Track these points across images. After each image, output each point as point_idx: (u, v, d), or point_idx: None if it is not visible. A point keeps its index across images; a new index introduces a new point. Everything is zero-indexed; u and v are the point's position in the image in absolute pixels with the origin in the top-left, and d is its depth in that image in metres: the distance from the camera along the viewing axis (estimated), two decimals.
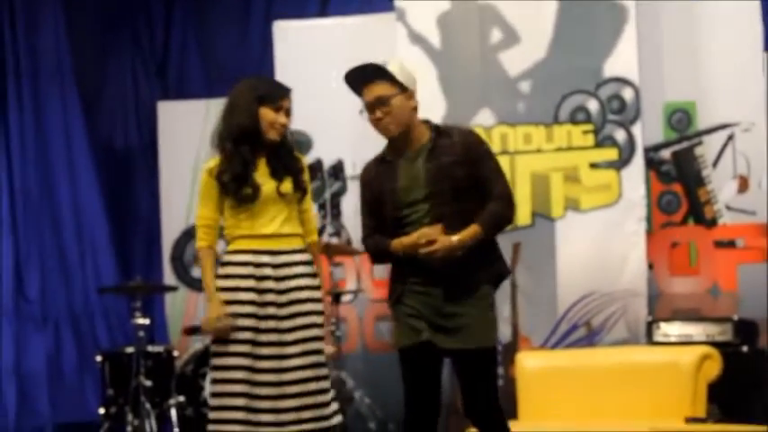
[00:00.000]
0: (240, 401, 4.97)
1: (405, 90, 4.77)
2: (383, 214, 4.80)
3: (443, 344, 4.70)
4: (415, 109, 4.82)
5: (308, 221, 5.23)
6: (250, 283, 5.04)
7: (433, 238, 4.62)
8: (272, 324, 5.00)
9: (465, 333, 4.69)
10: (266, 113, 5.06)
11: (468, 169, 4.71)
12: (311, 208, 5.30)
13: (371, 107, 4.76)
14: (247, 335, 5.00)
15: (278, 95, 5.10)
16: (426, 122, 4.87)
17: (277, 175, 5.08)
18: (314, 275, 5.16)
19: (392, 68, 4.78)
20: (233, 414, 4.98)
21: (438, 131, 4.81)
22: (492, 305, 4.79)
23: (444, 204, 4.69)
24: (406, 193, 4.74)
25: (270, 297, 5.02)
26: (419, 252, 4.64)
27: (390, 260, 4.85)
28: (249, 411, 4.97)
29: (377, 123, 4.77)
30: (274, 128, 5.06)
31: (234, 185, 5.04)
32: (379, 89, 4.74)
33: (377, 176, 4.84)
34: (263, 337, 4.99)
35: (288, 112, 5.11)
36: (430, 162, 4.73)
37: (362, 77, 4.78)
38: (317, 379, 5.01)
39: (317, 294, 5.14)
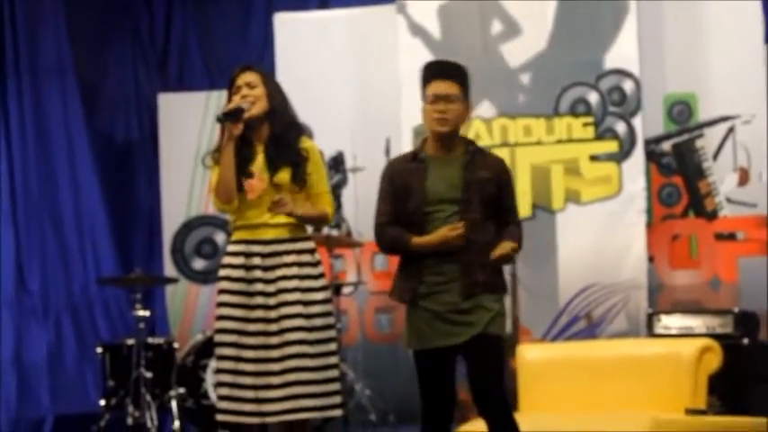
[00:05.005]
0: (225, 391, 5.02)
1: (467, 101, 5.00)
2: (406, 208, 4.96)
3: (458, 339, 4.86)
4: (465, 122, 5.04)
5: (317, 203, 5.14)
6: (240, 273, 5.05)
7: (461, 229, 4.83)
8: (260, 314, 5.01)
9: (478, 322, 4.86)
10: (234, 100, 5.10)
11: (496, 190, 4.96)
12: (323, 192, 5.17)
13: (438, 100, 4.94)
14: (235, 324, 5.02)
15: (233, 80, 5.14)
16: (464, 138, 5.09)
17: (273, 165, 5.07)
18: (313, 264, 5.11)
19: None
20: (220, 403, 5.05)
21: (475, 147, 5.06)
22: (503, 304, 4.98)
23: (472, 212, 4.90)
24: (435, 192, 4.93)
25: (259, 287, 5.03)
26: (450, 240, 4.84)
27: (404, 253, 5.00)
28: (233, 400, 5.00)
29: (436, 115, 4.95)
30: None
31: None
32: (453, 88, 4.96)
33: (405, 172, 5.02)
34: (252, 327, 5.00)
35: (248, 85, 5.08)
36: (468, 171, 4.95)
37: (444, 72, 5.01)
38: (301, 370, 4.98)
39: (309, 284, 5.07)
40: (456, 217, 4.88)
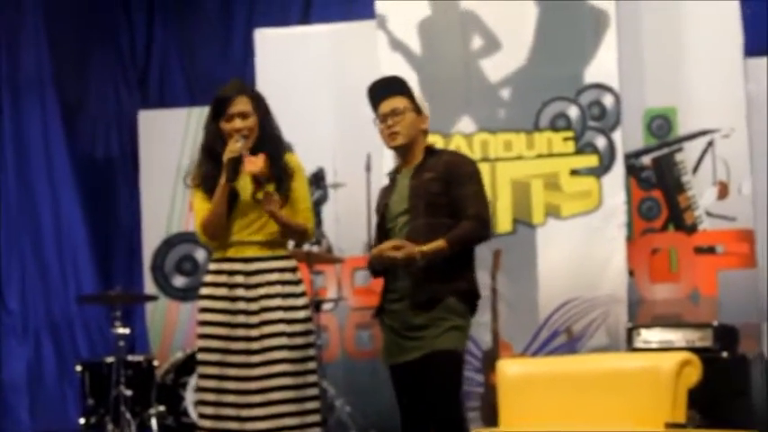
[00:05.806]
0: (209, 410, 5.01)
1: (419, 112, 5.04)
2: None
3: (410, 356, 4.90)
4: (424, 132, 5.07)
5: (298, 219, 5.11)
6: (222, 291, 5.05)
7: (397, 245, 4.77)
8: (242, 332, 5.00)
9: (429, 338, 4.85)
10: (224, 127, 5.06)
11: (445, 187, 4.92)
12: (305, 208, 5.14)
13: (386, 117, 5.00)
14: (219, 343, 5.01)
15: (223, 105, 5.07)
16: (427, 146, 5.10)
17: (257, 181, 5.05)
18: (295, 282, 5.11)
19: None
20: (202, 422, 5.04)
21: (429, 151, 5.06)
22: (460, 316, 4.90)
23: (418, 217, 4.90)
24: (395, 206, 4.99)
25: (241, 305, 5.01)
26: (383, 256, 4.81)
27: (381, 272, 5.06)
28: (217, 419, 4.98)
29: (387, 131, 5.01)
30: (234, 137, 5.04)
31: (210, 194, 5.05)
32: (397, 102, 5.01)
33: (381, 195, 5.15)
34: (234, 346, 4.99)
35: (242, 115, 5.05)
36: (414, 178, 4.98)
37: (386, 90, 5.05)
38: (284, 388, 4.99)
39: (291, 302, 5.08)
40: (407, 228, 4.90)
